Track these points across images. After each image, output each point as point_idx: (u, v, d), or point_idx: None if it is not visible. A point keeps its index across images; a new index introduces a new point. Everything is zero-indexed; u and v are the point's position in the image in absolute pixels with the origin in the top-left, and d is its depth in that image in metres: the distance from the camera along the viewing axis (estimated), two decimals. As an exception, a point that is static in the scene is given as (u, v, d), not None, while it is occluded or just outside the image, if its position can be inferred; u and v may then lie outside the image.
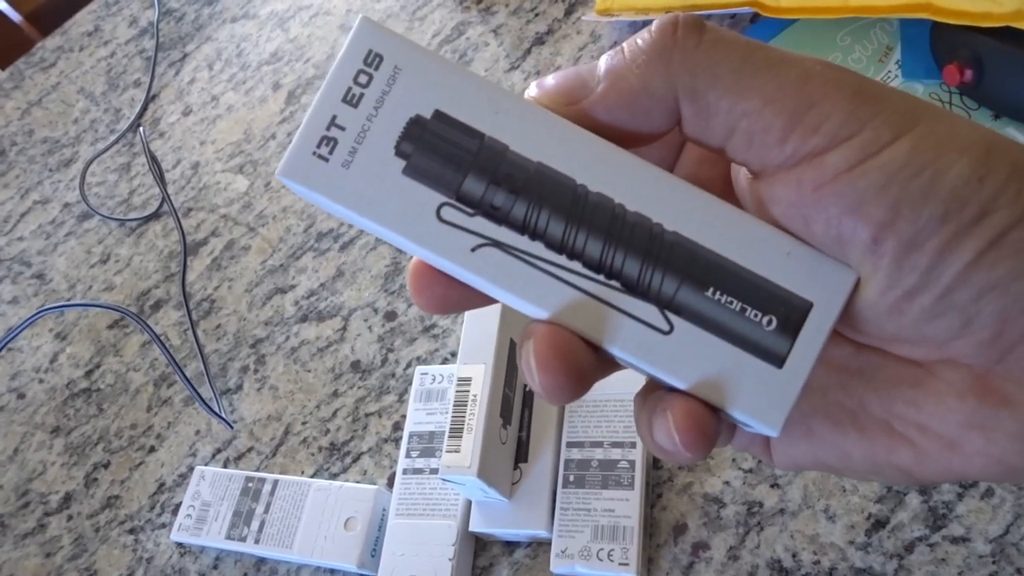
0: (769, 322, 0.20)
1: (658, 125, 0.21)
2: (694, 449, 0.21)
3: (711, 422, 0.21)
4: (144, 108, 0.78)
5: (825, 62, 0.20)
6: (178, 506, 0.52)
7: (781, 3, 0.51)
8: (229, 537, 0.47)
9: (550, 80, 0.22)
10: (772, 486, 0.40)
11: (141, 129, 0.70)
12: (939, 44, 0.48)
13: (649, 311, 0.20)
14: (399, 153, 0.21)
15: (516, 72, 0.62)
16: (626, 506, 0.40)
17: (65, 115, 0.84)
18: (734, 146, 0.20)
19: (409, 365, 0.52)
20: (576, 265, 0.20)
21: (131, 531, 0.53)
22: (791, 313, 0.20)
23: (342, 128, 0.21)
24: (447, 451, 0.40)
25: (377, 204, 0.21)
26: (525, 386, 0.45)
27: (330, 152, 0.21)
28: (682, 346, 0.20)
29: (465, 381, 0.41)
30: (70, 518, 0.55)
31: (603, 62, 0.21)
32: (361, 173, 0.21)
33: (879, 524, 0.38)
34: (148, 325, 0.55)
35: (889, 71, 0.51)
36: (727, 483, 0.41)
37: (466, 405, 0.41)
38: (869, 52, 0.51)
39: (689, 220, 0.20)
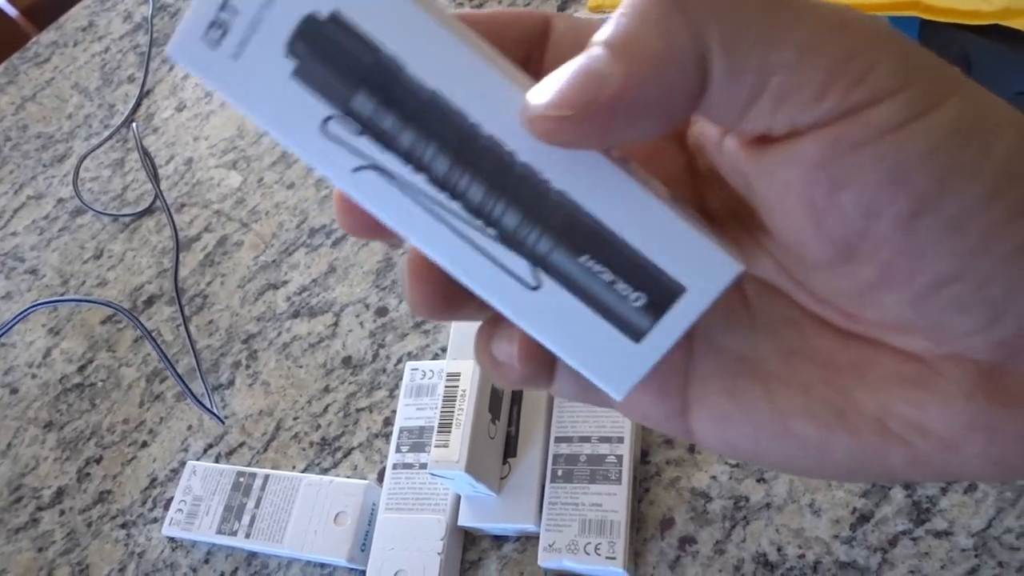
0: (637, 299, 0.20)
1: (688, 96, 0.17)
2: (528, 362, 0.20)
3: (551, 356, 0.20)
4: (138, 103, 0.78)
5: (856, 10, 0.17)
6: (170, 501, 0.52)
7: None
8: (220, 531, 0.47)
9: (552, 90, 0.18)
10: (758, 480, 0.41)
11: (134, 125, 0.70)
12: (928, 42, 0.48)
13: (519, 265, 0.20)
14: (290, 53, 0.19)
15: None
16: (613, 500, 0.40)
17: (59, 110, 0.84)
18: (757, 111, 0.17)
19: (400, 361, 0.52)
20: (456, 206, 0.20)
21: (123, 525, 0.53)
22: (661, 294, 0.20)
23: (235, 12, 0.19)
24: (436, 446, 0.40)
25: (264, 103, 0.19)
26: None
27: (220, 38, 0.19)
28: (546, 304, 0.20)
29: (454, 376, 0.42)
30: (62, 513, 0.55)
31: (604, 36, 0.17)
32: (250, 67, 0.19)
33: (863, 518, 0.38)
34: (139, 321, 0.56)
35: (878, 68, 0.51)
36: (714, 477, 0.42)
37: (455, 400, 0.41)
38: (858, 49, 0.51)
39: (579, 182, 0.19)
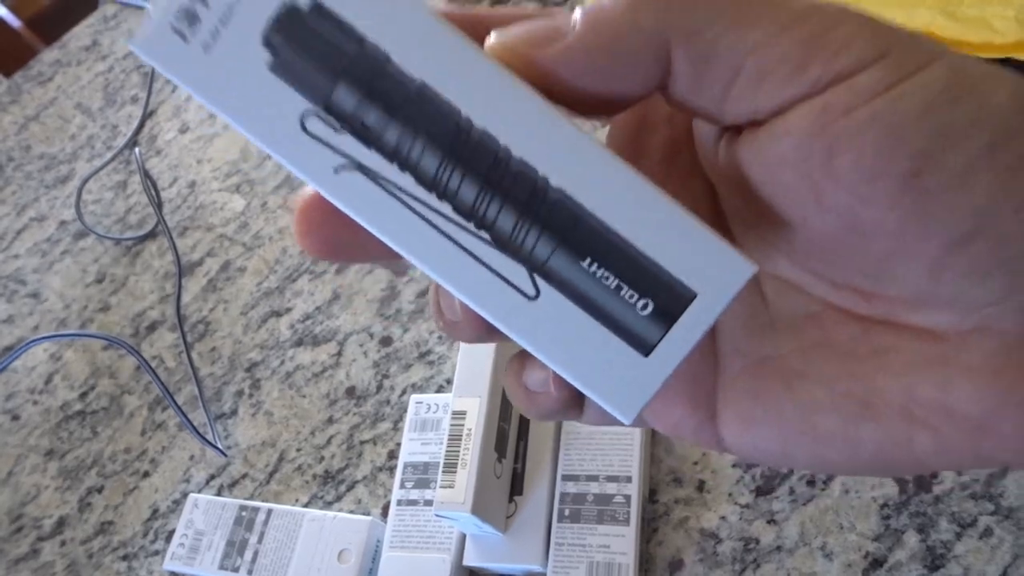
0: (645, 306, 0.18)
1: (642, 81, 0.18)
2: (563, 388, 0.20)
3: None
4: (141, 125, 0.78)
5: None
6: (171, 533, 0.52)
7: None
8: (222, 567, 0.46)
9: (515, 28, 0.18)
10: (769, 522, 0.40)
11: (137, 149, 0.70)
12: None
13: (517, 271, 0.18)
14: (266, 44, 0.18)
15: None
16: (622, 542, 0.40)
17: (62, 131, 0.84)
18: (737, 93, 0.17)
19: (404, 392, 0.52)
20: (446, 207, 0.18)
21: (124, 557, 0.52)
22: (670, 301, 0.18)
23: (205, 3, 0.18)
24: (441, 486, 0.39)
25: (237, 100, 0.18)
26: (520, 418, 0.45)
27: (190, 29, 0.18)
28: (546, 315, 0.18)
29: (460, 415, 0.41)
30: (63, 543, 0.55)
31: (579, 9, 0.18)
32: (223, 60, 0.18)
33: (876, 563, 0.37)
34: (139, 353, 0.55)
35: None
36: (723, 518, 0.41)
37: (460, 439, 0.40)
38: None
39: (581, 179, 0.18)
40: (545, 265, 0.18)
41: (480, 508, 0.39)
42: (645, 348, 0.18)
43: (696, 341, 0.18)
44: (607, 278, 0.18)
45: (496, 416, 0.42)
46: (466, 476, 0.39)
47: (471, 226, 0.18)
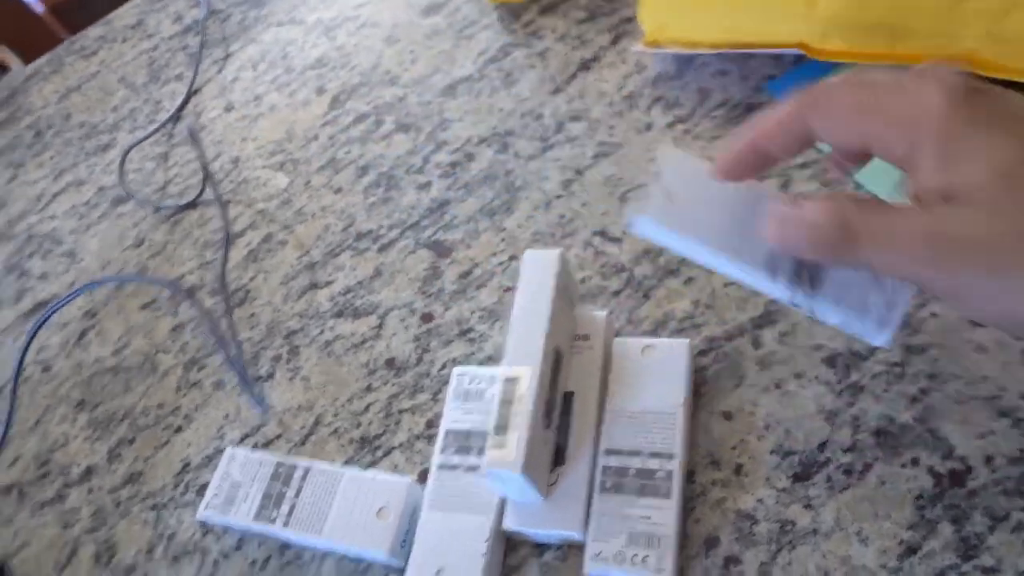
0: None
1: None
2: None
3: None
4: (186, 101, 0.79)
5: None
6: (203, 486, 0.52)
7: (827, 46, 0.53)
8: (258, 518, 0.47)
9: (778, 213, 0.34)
10: (805, 507, 0.41)
11: (190, 119, 0.71)
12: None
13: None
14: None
15: (560, 96, 0.64)
16: (662, 514, 0.41)
17: (103, 102, 0.85)
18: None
19: (444, 366, 0.53)
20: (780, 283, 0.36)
21: (153, 507, 0.53)
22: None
23: (670, 196, 0.37)
24: (492, 446, 0.40)
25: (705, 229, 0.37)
26: (564, 394, 0.46)
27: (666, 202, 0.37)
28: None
29: (513, 381, 0.42)
30: (90, 491, 0.55)
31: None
32: (684, 211, 0.37)
33: (911, 550, 0.39)
34: (194, 298, 0.56)
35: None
36: (760, 501, 0.42)
37: (512, 404, 0.42)
38: (913, 101, 0.53)
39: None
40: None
41: (529, 468, 0.40)
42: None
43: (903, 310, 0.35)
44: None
45: (546, 386, 0.43)
46: (516, 437, 0.40)
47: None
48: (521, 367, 0.43)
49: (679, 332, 0.49)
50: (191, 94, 0.80)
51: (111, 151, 0.79)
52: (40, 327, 0.59)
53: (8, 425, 0.59)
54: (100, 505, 0.54)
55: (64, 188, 0.77)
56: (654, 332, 0.50)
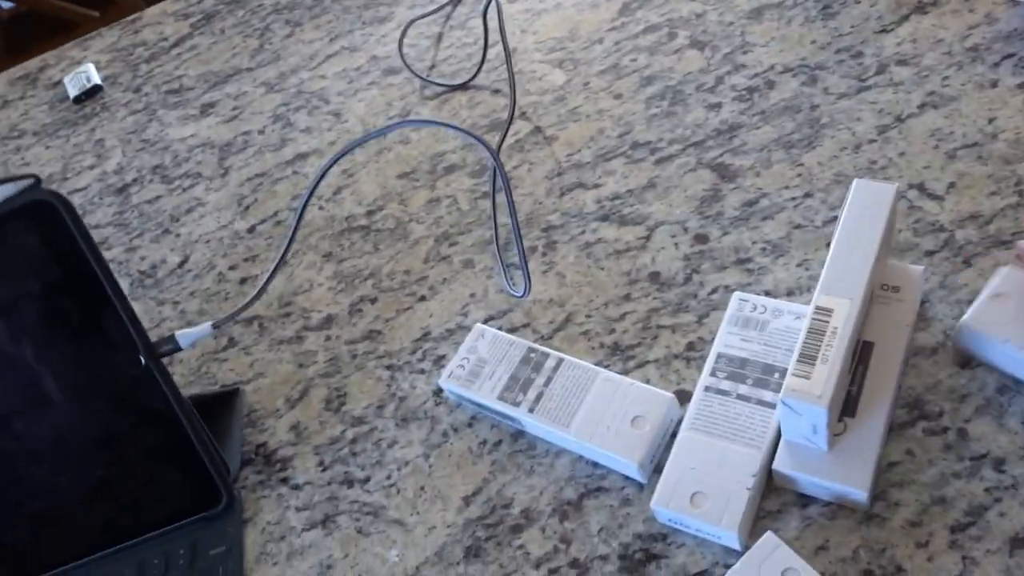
0: None
1: None
2: None
3: None
4: (470, -14, 0.78)
5: None
6: (440, 358, 0.51)
7: None
8: (502, 399, 0.45)
9: None
10: None
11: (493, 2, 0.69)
12: None
13: None
14: None
15: (887, 36, 0.58)
16: (972, 495, 0.35)
17: (386, -23, 0.85)
18: None
19: (715, 291, 0.49)
20: None
21: (388, 367, 0.52)
22: None
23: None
24: (794, 375, 0.36)
25: None
26: (863, 342, 0.41)
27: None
28: None
29: (825, 312, 0.38)
30: (328, 339, 0.55)
31: None
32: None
33: None
34: (499, 162, 0.54)
35: None
36: (1086, 510, 0.36)
37: (823, 336, 0.37)
38: None
39: None
40: None
41: (833, 407, 0.36)
42: None
43: None
44: None
45: (860, 323, 0.38)
46: (825, 371, 0.36)
47: None
48: (838, 298, 0.38)
49: (1004, 307, 0.43)
50: (475, -19, 0.78)
51: (387, 24, 0.78)
52: (325, 174, 0.59)
53: (282, 259, 0.59)
54: (336, 354, 0.54)
55: (338, 51, 0.78)
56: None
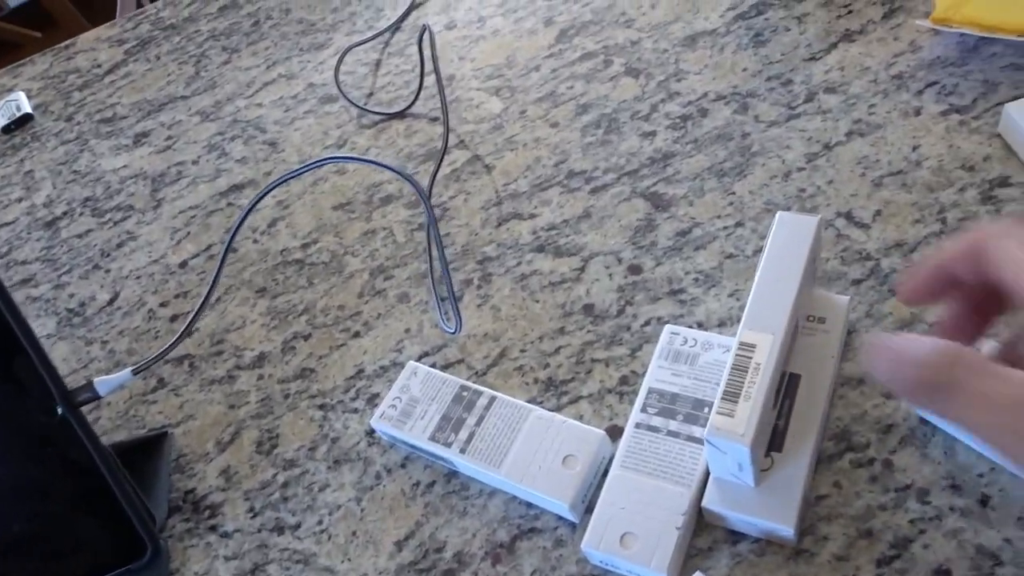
0: None
1: None
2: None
3: None
4: (407, 13, 0.77)
5: None
6: (374, 396, 0.50)
7: None
8: (434, 439, 0.44)
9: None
10: (1066, 560, 0.35)
11: (428, 25, 0.69)
12: None
13: None
14: None
15: (815, 64, 0.58)
16: (896, 530, 0.36)
17: (325, 2, 0.84)
18: None
19: (648, 323, 0.49)
20: None
21: (321, 407, 0.51)
22: None
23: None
24: (719, 413, 0.36)
25: None
26: (788, 374, 0.41)
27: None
28: None
29: (749, 347, 0.38)
30: (260, 377, 0.54)
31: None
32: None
33: None
34: (427, 200, 0.54)
35: None
36: (1007, 540, 0.36)
37: (746, 372, 0.37)
38: None
39: None
40: None
41: (757, 444, 0.36)
42: None
43: None
44: None
45: (783, 359, 0.38)
46: (748, 408, 0.36)
47: None
48: (761, 333, 0.38)
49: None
50: (414, 6, 0.78)
51: (325, 50, 0.78)
52: (253, 208, 0.58)
53: (207, 297, 0.58)
54: (269, 393, 0.53)
55: (275, 79, 0.77)
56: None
